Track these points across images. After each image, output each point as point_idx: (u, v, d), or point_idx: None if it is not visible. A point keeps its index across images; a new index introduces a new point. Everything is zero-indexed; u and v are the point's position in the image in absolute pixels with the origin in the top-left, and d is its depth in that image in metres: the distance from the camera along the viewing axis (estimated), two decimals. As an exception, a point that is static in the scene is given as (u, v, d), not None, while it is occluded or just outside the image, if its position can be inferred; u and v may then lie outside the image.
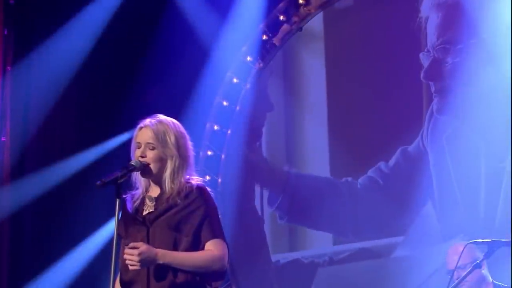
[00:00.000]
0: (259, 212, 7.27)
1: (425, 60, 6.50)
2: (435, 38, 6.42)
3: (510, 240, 4.80)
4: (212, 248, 3.65)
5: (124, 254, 3.64)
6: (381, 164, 6.69)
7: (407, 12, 6.65)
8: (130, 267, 3.60)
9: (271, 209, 7.17)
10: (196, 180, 3.73)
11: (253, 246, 7.22)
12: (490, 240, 4.82)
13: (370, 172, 6.74)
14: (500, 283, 5.33)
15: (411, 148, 6.61)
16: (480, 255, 4.93)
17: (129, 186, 3.82)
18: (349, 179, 6.85)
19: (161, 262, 3.60)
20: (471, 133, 6.25)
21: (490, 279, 5.28)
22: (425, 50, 6.50)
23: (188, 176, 3.73)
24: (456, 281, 4.88)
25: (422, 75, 6.49)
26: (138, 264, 3.57)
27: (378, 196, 6.66)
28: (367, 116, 6.83)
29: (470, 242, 4.80)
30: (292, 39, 7.24)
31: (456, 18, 6.31)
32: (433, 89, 6.50)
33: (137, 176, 3.78)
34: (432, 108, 6.50)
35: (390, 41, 6.75)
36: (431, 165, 6.45)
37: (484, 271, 5.21)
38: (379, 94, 6.78)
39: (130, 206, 3.78)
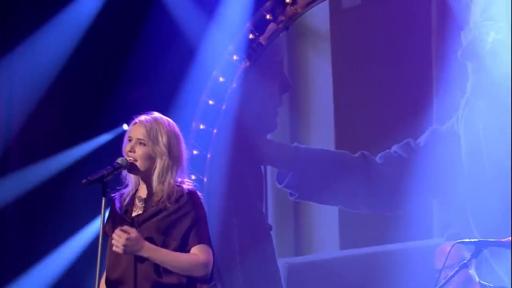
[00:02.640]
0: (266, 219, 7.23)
1: (465, 39, 6.33)
2: (479, 15, 6.24)
3: (497, 240, 4.79)
4: (197, 253, 3.64)
5: (111, 251, 3.62)
6: (410, 140, 6.60)
7: (415, 11, 6.61)
8: (114, 248, 3.59)
9: (280, 186, 7.12)
10: (187, 184, 3.71)
11: (243, 246, 7.18)
12: (477, 240, 4.81)
13: (395, 147, 6.64)
14: (486, 283, 5.33)
15: (443, 128, 6.49)
16: (467, 255, 4.92)
17: (119, 182, 3.79)
18: (366, 152, 6.79)
19: (145, 255, 3.58)
20: (508, 124, 6.02)
21: (477, 279, 5.28)
22: (467, 28, 6.32)
23: (180, 179, 3.71)
24: (443, 281, 4.87)
25: (459, 53, 6.32)
26: (122, 248, 3.55)
27: (400, 170, 6.54)
28: (374, 116, 6.78)
29: (458, 242, 4.79)
30: (298, 39, 7.22)
31: None
32: (469, 69, 6.32)
33: (127, 173, 3.75)
34: (466, 89, 6.32)
35: (397, 40, 6.71)
36: (464, 154, 6.32)
37: (471, 271, 5.21)
38: (387, 94, 6.74)
39: (118, 205, 3.75)
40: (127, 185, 3.76)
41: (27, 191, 6.96)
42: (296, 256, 7.16)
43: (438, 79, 6.58)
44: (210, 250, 3.67)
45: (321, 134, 7.12)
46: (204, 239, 3.65)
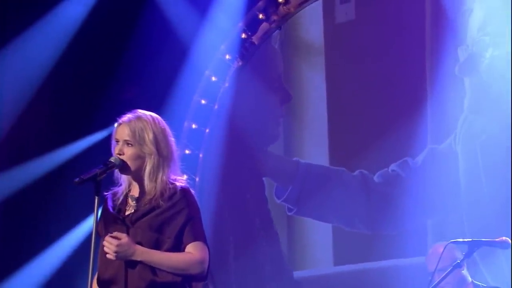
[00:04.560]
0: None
1: (462, 54, 6.34)
2: (476, 30, 6.24)
3: (490, 240, 4.79)
4: (192, 251, 3.61)
5: (102, 251, 3.59)
6: (408, 159, 6.57)
7: (409, 26, 6.60)
8: (107, 255, 3.57)
9: (279, 201, 7.09)
10: (180, 181, 3.66)
11: (236, 246, 7.16)
12: (470, 239, 4.81)
13: (393, 166, 6.62)
14: (479, 283, 5.33)
15: (441, 147, 6.46)
16: (460, 255, 4.92)
17: (112, 182, 3.76)
18: (364, 171, 6.77)
19: (138, 259, 3.56)
20: (507, 140, 6.00)
21: (470, 279, 5.28)
22: (464, 44, 6.32)
23: (174, 177, 3.66)
24: (437, 281, 4.86)
25: (456, 69, 6.32)
26: (114, 254, 3.53)
27: (398, 190, 6.52)
28: (368, 129, 6.75)
29: (451, 242, 4.79)
30: (293, 53, 7.23)
31: (502, 11, 6.09)
32: (466, 85, 6.31)
33: (119, 173, 3.72)
34: (464, 105, 6.31)
35: (391, 55, 6.69)
36: (461, 170, 6.31)
37: (464, 271, 5.20)
38: (380, 107, 6.72)
39: (111, 204, 3.71)
40: (120, 184, 3.72)
41: (18, 190, 6.93)
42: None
43: (433, 93, 6.57)
44: (205, 247, 3.63)
45: (315, 147, 7.12)
46: (199, 236, 3.62)
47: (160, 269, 3.59)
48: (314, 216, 6.99)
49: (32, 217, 7.00)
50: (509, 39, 5.97)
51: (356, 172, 6.80)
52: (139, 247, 3.55)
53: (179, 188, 3.63)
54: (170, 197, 3.62)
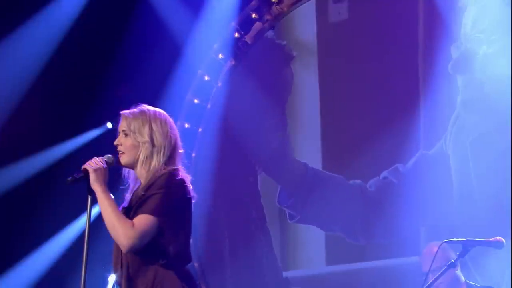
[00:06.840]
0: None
1: (455, 52, 6.30)
2: (470, 27, 6.20)
3: (484, 239, 4.78)
4: (135, 221, 3.48)
5: (116, 252, 3.58)
6: (399, 166, 6.54)
7: (402, 26, 6.61)
8: (85, 165, 3.57)
9: (283, 206, 7.03)
10: (175, 170, 3.60)
11: (231, 246, 7.15)
12: (464, 239, 4.80)
13: (385, 173, 6.59)
14: (473, 283, 5.34)
15: (432, 151, 6.44)
16: (454, 255, 4.91)
17: (111, 181, 3.73)
18: (358, 181, 6.73)
19: (97, 189, 3.51)
20: (499, 138, 5.99)
21: (463, 279, 5.28)
22: (458, 41, 6.29)
23: (172, 168, 3.61)
24: (430, 281, 4.86)
25: (449, 66, 6.28)
26: (92, 169, 3.54)
27: (391, 198, 6.49)
28: (362, 130, 6.74)
29: (445, 241, 4.78)
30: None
31: (495, 8, 6.09)
32: (459, 83, 6.28)
33: (128, 172, 3.68)
34: (456, 102, 6.27)
35: (384, 54, 6.69)
36: (453, 170, 6.29)
37: (458, 271, 5.20)
38: (373, 107, 6.72)
39: (124, 205, 3.66)
40: (129, 185, 3.70)
41: (10, 189, 6.91)
42: (283, 271, 7.08)
43: (426, 94, 6.56)
44: (152, 221, 3.46)
45: (308, 147, 7.11)
46: (152, 210, 3.47)
47: (160, 269, 3.52)
48: (318, 225, 6.91)
49: (24, 216, 6.97)
50: (507, 37, 5.96)
51: (351, 182, 6.77)
52: (107, 189, 3.51)
53: (163, 173, 3.56)
54: (153, 184, 3.55)
